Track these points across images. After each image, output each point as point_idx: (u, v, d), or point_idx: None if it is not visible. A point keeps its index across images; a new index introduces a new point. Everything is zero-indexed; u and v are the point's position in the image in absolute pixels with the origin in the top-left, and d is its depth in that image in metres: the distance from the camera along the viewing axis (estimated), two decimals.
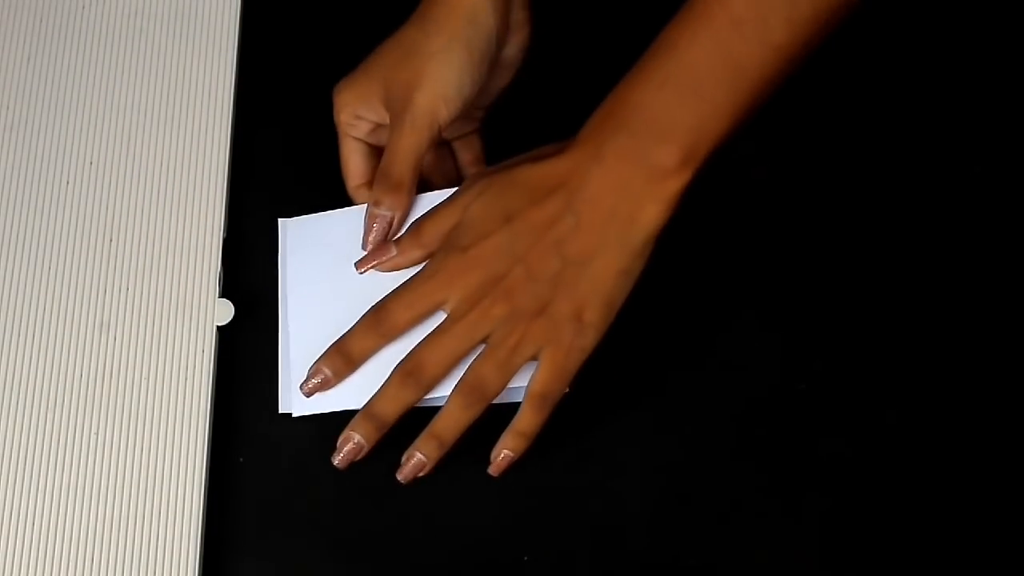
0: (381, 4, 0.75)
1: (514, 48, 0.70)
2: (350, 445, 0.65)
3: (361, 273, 0.69)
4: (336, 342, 0.66)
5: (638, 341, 0.70)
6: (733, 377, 0.70)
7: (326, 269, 0.70)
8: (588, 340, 0.64)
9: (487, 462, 0.66)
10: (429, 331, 0.66)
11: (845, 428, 0.69)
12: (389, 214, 0.68)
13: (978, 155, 0.76)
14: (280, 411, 0.68)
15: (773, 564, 0.66)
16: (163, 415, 0.67)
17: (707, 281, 0.72)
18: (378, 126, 0.70)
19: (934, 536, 0.66)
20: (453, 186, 0.69)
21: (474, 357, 0.65)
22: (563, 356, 0.64)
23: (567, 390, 0.66)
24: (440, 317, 0.66)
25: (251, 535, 0.66)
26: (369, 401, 0.65)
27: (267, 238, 0.72)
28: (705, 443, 0.68)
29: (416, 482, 0.66)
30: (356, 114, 0.70)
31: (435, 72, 0.67)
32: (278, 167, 0.76)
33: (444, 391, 0.65)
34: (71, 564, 0.64)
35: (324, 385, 0.66)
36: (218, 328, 0.70)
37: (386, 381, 0.65)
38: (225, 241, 0.72)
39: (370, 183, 0.71)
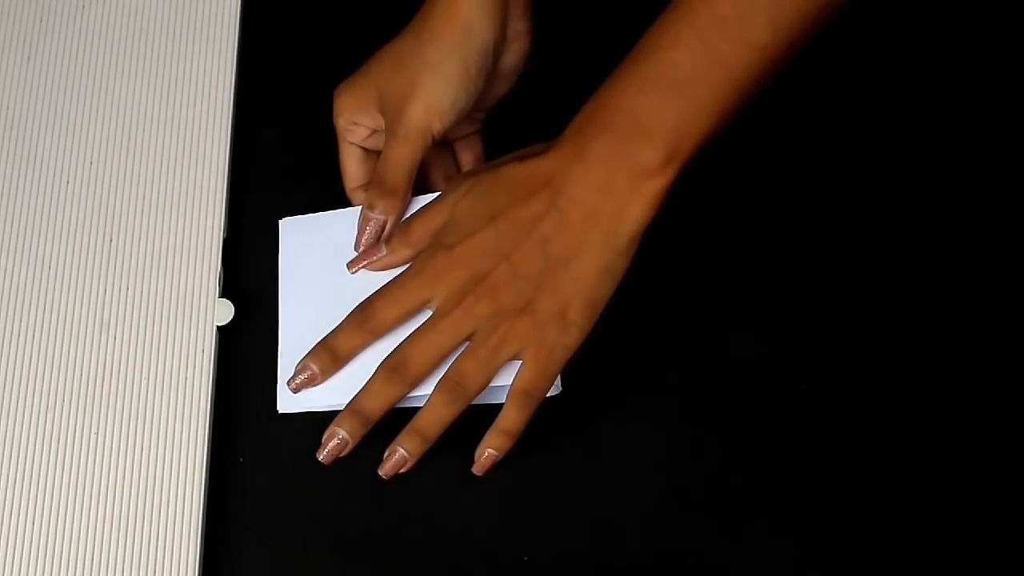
0: (381, 5, 0.75)
1: (514, 57, 0.70)
2: (335, 441, 0.66)
3: (353, 273, 0.69)
4: (323, 339, 0.67)
5: (638, 341, 0.70)
6: (733, 377, 0.70)
7: (321, 268, 0.70)
8: (572, 338, 0.65)
9: None
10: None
11: (845, 428, 0.69)
12: (383, 217, 0.69)
13: (978, 155, 0.76)
14: (280, 411, 0.68)
15: (773, 564, 0.66)
16: (163, 415, 0.67)
17: (707, 281, 0.72)
18: (374, 132, 0.71)
19: (934, 536, 0.66)
20: None
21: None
22: (546, 354, 0.65)
23: (558, 391, 0.67)
24: (427, 315, 0.66)
25: (251, 535, 0.66)
26: (354, 397, 0.66)
27: (267, 238, 0.72)
28: (705, 443, 0.68)
29: (398, 479, 0.66)
30: (353, 120, 0.70)
31: (429, 84, 0.67)
32: (278, 167, 0.76)
33: (429, 389, 0.66)
34: (71, 564, 0.64)
35: (311, 381, 0.67)
36: (218, 328, 0.70)
37: (371, 377, 0.66)
38: (225, 241, 0.72)
39: (367, 185, 0.71)
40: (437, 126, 0.68)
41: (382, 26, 0.71)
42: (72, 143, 0.75)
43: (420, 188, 0.71)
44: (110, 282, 0.71)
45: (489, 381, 0.65)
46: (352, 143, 0.71)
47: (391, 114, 0.68)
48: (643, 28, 0.64)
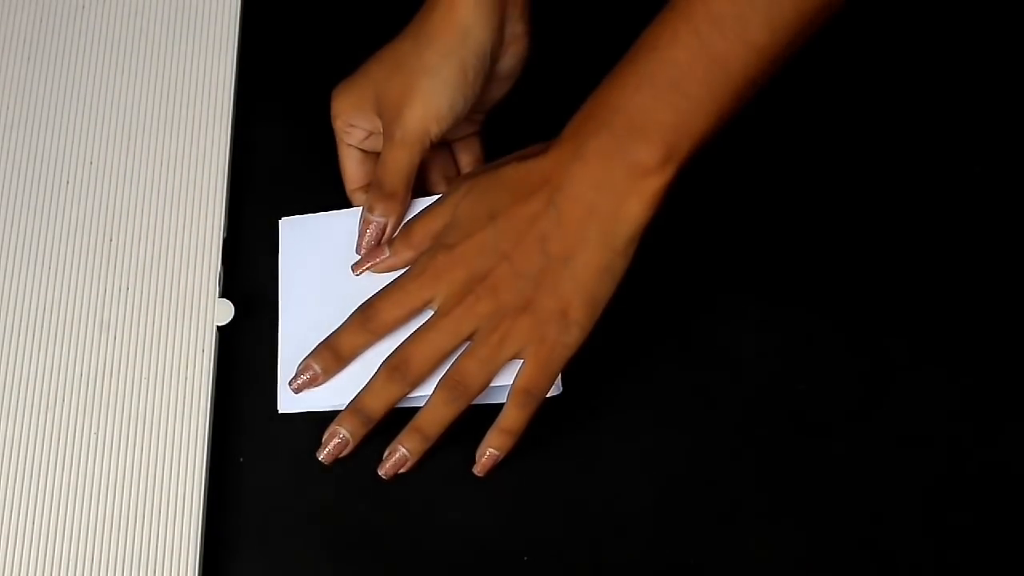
0: (381, 5, 0.75)
1: (511, 60, 0.70)
2: (336, 440, 0.66)
3: (357, 275, 0.69)
4: (325, 339, 0.67)
5: (638, 340, 0.70)
6: (733, 377, 0.70)
7: (321, 268, 0.70)
8: (572, 337, 0.65)
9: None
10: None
11: (845, 428, 0.69)
12: (383, 220, 0.69)
13: (978, 155, 0.76)
14: (280, 411, 0.68)
15: (773, 564, 0.66)
16: (163, 415, 0.67)
17: (707, 281, 0.72)
18: (372, 134, 0.71)
19: (934, 536, 0.66)
20: None
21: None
22: (547, 352, 0.65)
23: (559, 392, 0.67)
24: (429, 315, 0.66)
25: (251, 535, 0.66)
26: (355, 397, 0.66)
27: (267, 238, 0.72)
28: (705, 443, 0.68)
29: (398, 479, 0.66)
30: (350, 122, 0.70)
31: (427, 88, 0.67)
32: (278, 167, 0.76)
33: (430, 389, 0.66)
34: (71, 563, 0.64)
35: (312, 382, 0.67)
36: (218, 328, 0.70)
37: (373, 376, 0.66)
38: (225, 241, 0.72)
39: (367, 186, 0.71)
40: (435, 129, 0.68)
41: (382, 26, 0.71)
42: (72, 143, 0.75)
43: (420, 189, 0.71)
44: (110, 282, 0.71)
45: (490, 380, 0.65)
46: (350, 145, 0.71)
47: (389, 117, 0.69)
48: (641, 29, 0.64)
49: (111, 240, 0.72)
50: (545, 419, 0.66)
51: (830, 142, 0.77)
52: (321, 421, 0.67)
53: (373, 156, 0.71)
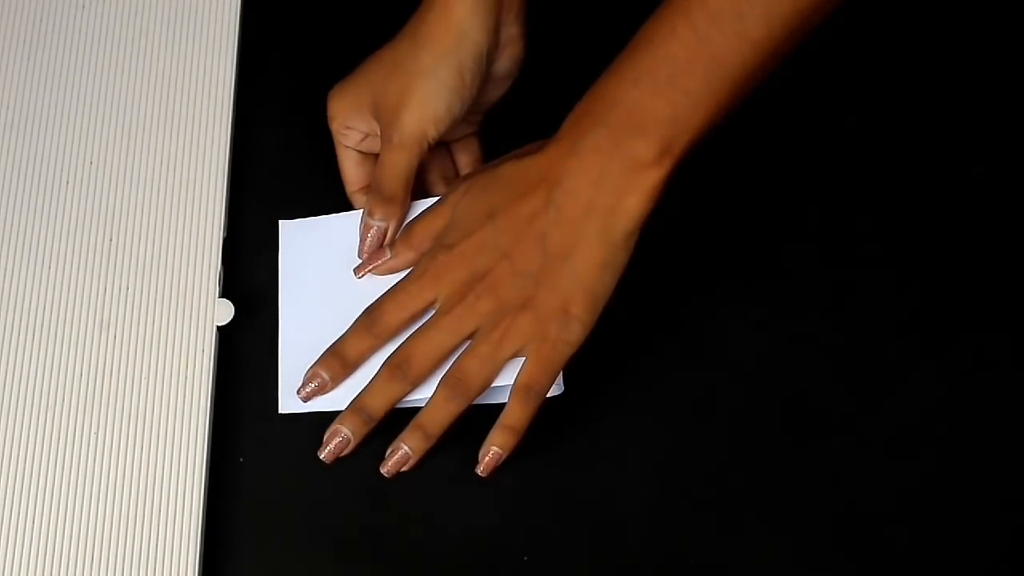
0: (381, 5, 0.75)
1: (508, 62, 0.70)
2: (338, 439, 0.66)
3: (359, 278, 0.69)
4: (331, 346, 0.67)
5: (638, 340, 0.70)
6: (733, 377, 0.70)
7: (321, 270, 0.70)
8: (574, 334, 0.65)
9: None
10: None
11: (845, 428, 0.69)
12: (383, 224, 0.69)
13: (978, 155, 0.76)
14: (280, 411, 0.68)
15: (772, 564, 0.66)
16: (163, 414, 0.67)
17: (708, 281, 0.72)
18: (369, 135, 0.71)
19: (934, 536, 0.66)
20: None
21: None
22: (549, 349, 0.65)
23: (561, 391, 0.67)
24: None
25: (251, 535, 0.66)
26: (358, 396, 0.66)
27: (267, 238, 0.72)
28: (705, 443, 0.68)
29: (399, 478, 0.66)
30: (346, 124, 0.71)
31: (423, 90, 0.68)
32: (278, 167, 0.76)
33: (431, 390, 0.66)
34: (71, 563, 0.64)
35: (321, 390, 0.67)
36: (218, 328, 0.70)
37: (375, 376, 0.66)
38: (225, 241, 0.72)
39: (367, 188, 0.71)
40: (432, 132, 0.68)
41: (382, 27, 0.71)
42: (72, 143, 0.75)
43: (419, 191, 0.71)
44: (110, 282, 0.71)
45: (492, 378, 0.65)
46: (347, 147, 0.71)
47: (386, 120, 0.69)
48: (637, 29, 0.64)
49: (111, 240, 0.72)
50: (545, 419, 0.66)
51: (830, 142, 0.77)
52: (322, 421, 0.67)
53: (371, 157, 0.71)
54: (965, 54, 0.79)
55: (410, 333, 0.66)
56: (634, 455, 0.68)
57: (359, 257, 0.70)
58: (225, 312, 0.70)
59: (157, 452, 0.66)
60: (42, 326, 0.70)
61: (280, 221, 0.72)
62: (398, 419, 0.66)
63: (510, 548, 0.66)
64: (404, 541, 0.66)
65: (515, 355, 0.65)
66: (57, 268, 0.71)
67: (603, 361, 0.68)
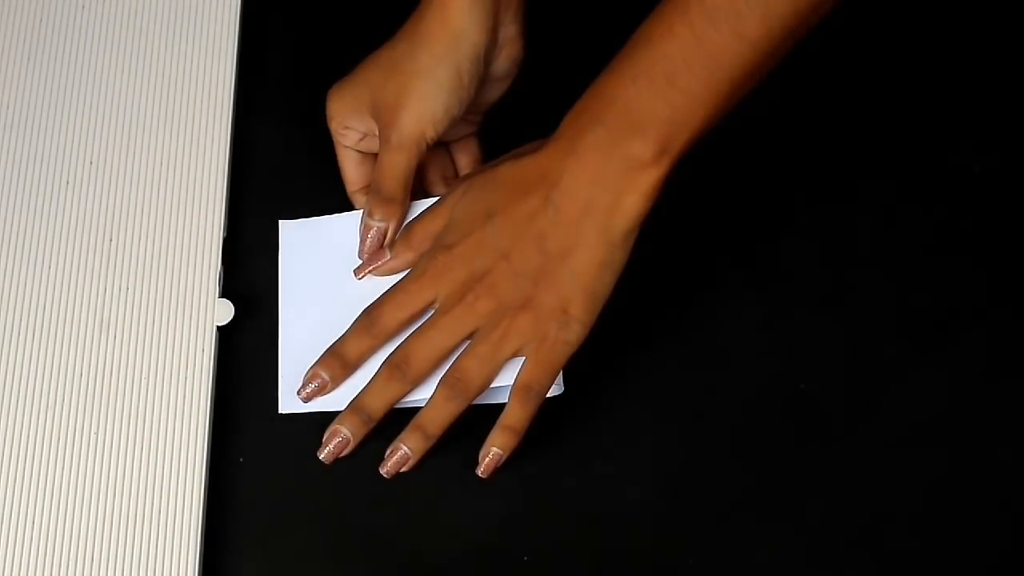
0: (381, 6, 0.75)
1: (506, 62, 0.70)
2: (337, 439, 0.66)
3: (359, 279, 0.69)
4: (331, 346, 0.67)
5: (638, 340, 0.70)
6: (733, 377, 0.70)
7: (321, 270, 0.70)
8: (573, 334, 0.65)
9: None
10: None
11: (845, 428, 0.69)
12: (383, 224, 0.69)
13: (978, 155, 0.76)
14: (280, 411, 0.68)
15: (773, 564, 0.66)
16: (163, 414, 0.67)
17: (708, 280, 0.72)
18: (367, 135, 0.71)
19: (934, 536, 0.66)
20: None
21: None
22: (548, 349, 0.65)
23: (560, 391, 0.67)
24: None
25: (251, 535, 0.66)
26: (357, 396, 0.66)
27: (267, 238, 0.72)
28: (705, 443, 0.68)
29: (398, 478, 0.66)
30: (345, 124, 0.71)
31: (421, 91, 0.68)
32: (278, 167, 0.76)
33: (431, 391, 0.66)
34: (71, 562, 0.64)
35: (321, 390, 0.67)
36: (218, 328, 0.70)
37: (374, 376, 0.66)
38: (225, 241, 0.72)
39: (367, 187, 0.71)
40: (430, 133, 0.68)
41: (382, 26, 0.71)
42: (72, 143, 0.75)
43: (418, 191, 0.71)
44: (110, 282, 0.71)
45: (491, 378, 0.65)
46: (347, 147, 0.71)
47: (384, 120, 0.69)
48: (638, 28, 0.64)
49: (111, 240, 0.72)
50: (545, 419, 0.66)
51: (829, 141, 0.77)
52: (322, 421, 0.67)
53: (371, 157, 0.71)
54: (965, 53, 0.79)
55: (409, 333, 0.66)
56: (634, 455, 0.68)
57: (359, 257, 0.70)
58: (225, 312, 0.70)
59: (157, 452, 0.66)
60: (42, 326, 0.70)
61: (280, 221, 0.72)
62: (398, 420, 0.66)
63: (510, 548, 0.66)
64: (404, 541, 0.66)
65: (514, 355, 0.65)
66: (57, 268, 0.71)
67: (603, 361, 0.68)
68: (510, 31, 0.69)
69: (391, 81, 0.68)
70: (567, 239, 0.64)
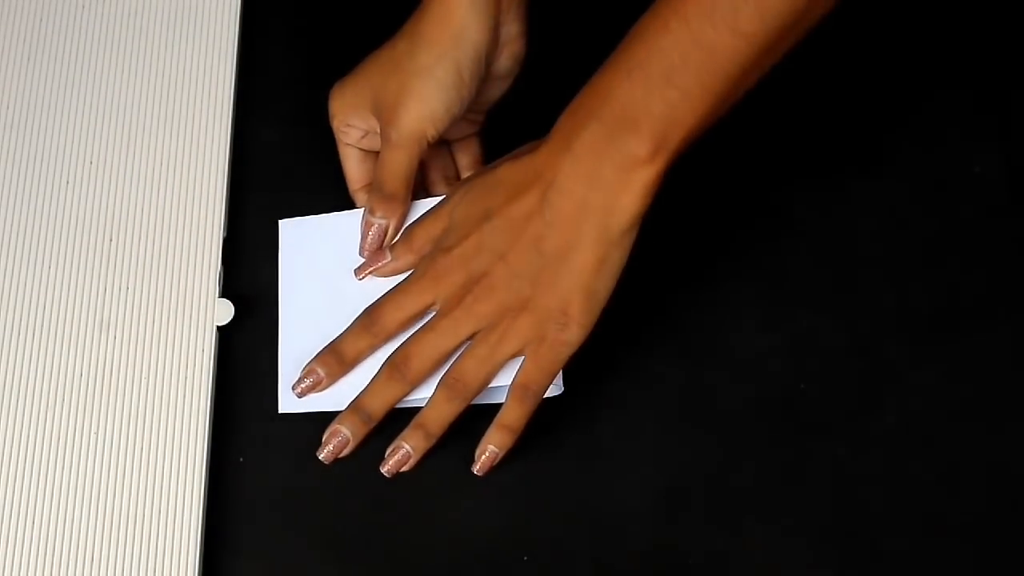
0: (381, 5, 0.75)
1: (508, 61, 0.70)
2: (337, 440, 0.66)
3: (360, 279, 0.69)
4: (329, 344, 0.67)
5: (638, 340, 0.70)
6: (733, 377, 0.70)
7: (321, 269, 0.70)
8: (572, 334, 0.64)
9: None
10: None
11: (845, 428, 0.69)
12: (384, 222, 0.69)
13: (978, 155, 0.76)
14: (280, 411, 0.68)
15: (773, 564, 0.66)
16: (163, 414, 0.67)
17: (707, 280, 0.72)
18: (369, 133, 0.71)
19: (934, 536, 0.66)
20: None
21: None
22: (547, 350, 0.65)
23: (560, 391, 0.67)
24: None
25: (251, 535, 0.66)
26: (357, 396, 0.66)
27: (267, 238, 0.72)
28: (705, 443, 0.68)
29: (398, 478, 0.66)
30: (346, 122, 0.71)
31: (421, 89, 0.67)
32: (278, 167, 0.76)
33: (430, 391, 0.66)
34: (71, 562, 0.64)
35: (316, 386, 0.67)
36: (218, 328, 0.70)
37: (374, 376, 0.66)
38: (225, 241, 0.72)
39: (369, 186, 0.71)
40: (431, 131, 0.68)
41: (382, 26, 0.71)
42: (72, 143, 0.75)
43: (420, 190, 0.71)
44: (110, 282, 0.71)
45: (490, 378, 0.65)
46: (348, 144, 0.71)
47: (385, 119, 0.69)
48: None
49: (111, 240, 0.72)
50: (545, 419, 0.66)
51: (830, 141, 0.77)
52: (321, 421, 0.67)
53: (373, 155, 0.71)
54: (965, 53, 0.79)
55: (408, 335, 0.66)
56: (634, 455, 0.68)
57: (360, 255, 0.70)
58: (225, 312, 0.70)
59: (157, 452, 0.66)
60: (42, 326, 0.70)
61: (280, 220, 0.72)
62: (398, 421, 0.66)
63: (510, 548, 0.66)
64: (404, 541, 0.66)
65: (514, 356, 0.65)
66: (57, 268, 0.71)
67: (602, 361, 0.68)
68: (512, 30, 0.69)
69: (392, 79, 0.68)
70: (564, 239, 0.64)
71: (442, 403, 0.65)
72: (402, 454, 0.66)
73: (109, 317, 0.70)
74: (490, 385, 0.66)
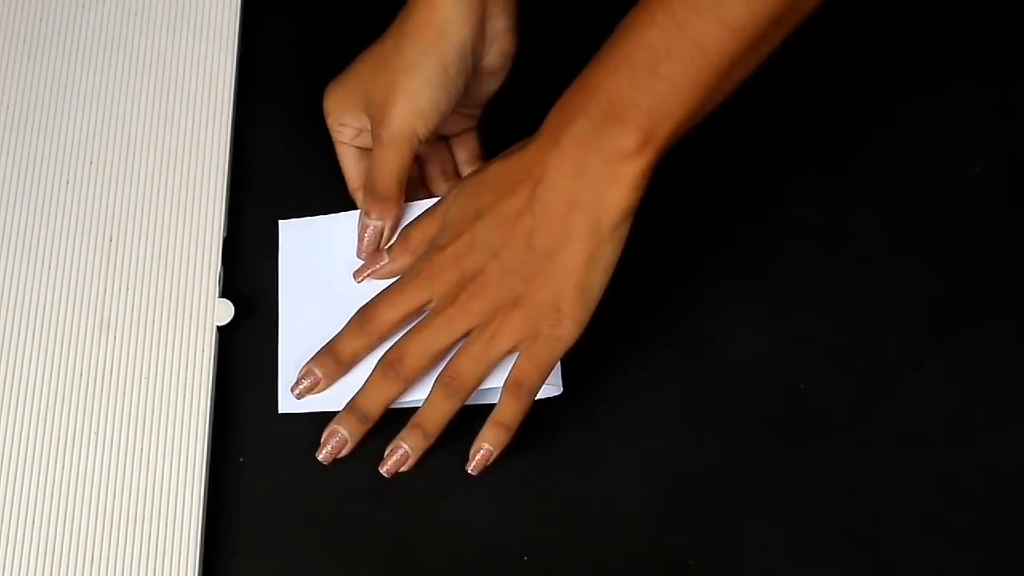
0: (380, 5, 0.75)
1: (497, 56, 0.70)
2: (335, 440, 0.66)
3: (359, 282, 0.70)
4: (326, 344, 0.67)
5: (637, 340, 0.70)
6: (733, 377, 0.70)
7: (320, 270, 0.70)
8: (565, 329, 0.64)
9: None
10: None
11: (845, 428, 0.69)
12: (380, 223, 0.69)
13: (978, 155, 0.76)
14: (280, 411, 0.68)
15: (773, 564, 0.66)
16: (163, 414, 0.67)
17: (707, 280, 0.72)
18: (363, 131, 0.71)
19: (934, 536, 0.66)
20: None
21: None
22: (540, 346, 0.65)
23: (559, 392, 0.67)
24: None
25: (251, 535, 0.66)
26: (353, 396, 0.66)
27: (267, 238, 0.72)
28: (705, 443, 0.68)
29: (398, 478, 0.66)
30: (340, 121, 0.71)
31: (409, 86, 0.67)
32: (278, 167, 0.76)
33: (427, 391, 0.66)
34: (71, 562, 0.64)
35: (314, 387, 0.67)
36: (218, 328, 0.70)
37: (369, 376, 0.66)
38: (225, 241, 0.72)
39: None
40: (421, 128, 0.68)
41: (382, 26, 0.71)
42: (72, 143, 0.75)
43: (419, 186, 0.72)
44: (110, 282, 0.71)
45: (485, 375, 0.65)
46: (345, 143, 0.72)
47: (375, 118, 0.69)
48: None
49: (111, 240, 0.72)
50: (545, 419, 0.66)
51: (830, 141, 0.77)
52: (321, 421, 0.67)
53: (370, 153, 0.71)
54: (965, 52, 0.79)
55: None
56: (634, 455, 0.68)
57: (357, 256, 0.70)
58: (225, 312, 0.70)
59: (157, 452, 0.66)
60: (42, 326, 0.70)
61: (280, 221, 0.72)
62: (397, 420, 0.66)
63: (510, 548, 0.66)
64: (404, 541, 0.66)
65: (508, 353, 0.65)
66: (57, 268, 0.71)
67: (602, 361, 0.68)
68: (499, 25, 0.69)
69: (380, 77, 0.68)
70: (555, 235, 0.64)
71: (439, 402, 0.65)
72: (401, 454, 0.66)
73: (109, 317, 0.70)
74: (485, 386, 0.66)
